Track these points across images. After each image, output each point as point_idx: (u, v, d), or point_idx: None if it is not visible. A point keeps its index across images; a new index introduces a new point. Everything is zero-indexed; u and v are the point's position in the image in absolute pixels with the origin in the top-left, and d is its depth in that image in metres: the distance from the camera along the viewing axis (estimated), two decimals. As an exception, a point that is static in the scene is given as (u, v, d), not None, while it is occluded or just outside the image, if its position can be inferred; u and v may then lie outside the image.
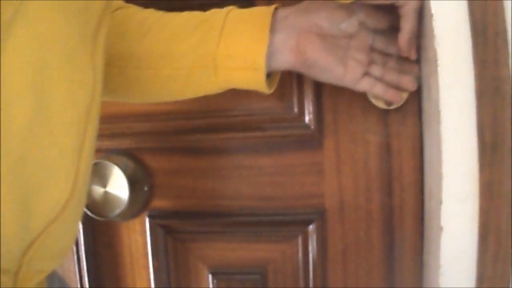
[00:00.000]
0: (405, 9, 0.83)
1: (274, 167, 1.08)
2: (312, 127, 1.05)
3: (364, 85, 0.91)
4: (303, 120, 1.06)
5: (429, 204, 0.99)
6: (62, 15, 0.60)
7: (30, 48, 0.57)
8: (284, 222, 1.09)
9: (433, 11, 0.81)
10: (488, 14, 0.79)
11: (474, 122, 0.81)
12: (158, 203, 1.18)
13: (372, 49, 0.91)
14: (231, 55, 0.84)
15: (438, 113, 0.84)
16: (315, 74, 0.90)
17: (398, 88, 0.93)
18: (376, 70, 0.91)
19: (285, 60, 0.87)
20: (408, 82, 0.91)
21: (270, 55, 0.85)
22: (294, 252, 1.11)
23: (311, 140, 1.06)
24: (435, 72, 0.83)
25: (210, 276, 1.19)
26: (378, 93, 0.92)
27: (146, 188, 1.15)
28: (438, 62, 0.82)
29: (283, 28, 0.87)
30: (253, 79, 0.85)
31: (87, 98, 0.64)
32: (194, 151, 1.13)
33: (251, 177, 1.09)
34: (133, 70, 0.88)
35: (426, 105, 0.97)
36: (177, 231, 1.19)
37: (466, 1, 0.79)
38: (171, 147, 1.14)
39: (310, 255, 1.10)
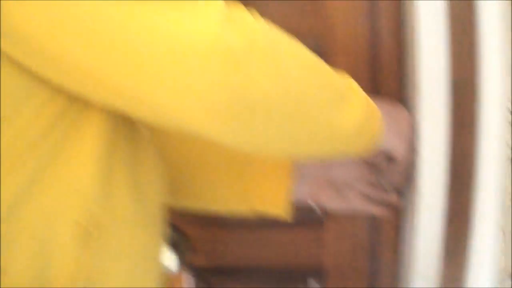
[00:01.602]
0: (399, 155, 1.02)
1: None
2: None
3: (360, 207, 1.15)
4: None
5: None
6: None
7: None
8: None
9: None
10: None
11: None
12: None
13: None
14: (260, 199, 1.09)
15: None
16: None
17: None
18: (373, 194, 1.14)
19: (302, 200, 1.12)
20: (395, 200, 1.15)
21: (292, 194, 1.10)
22: None
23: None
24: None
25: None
26: (372, 212, 1.18)
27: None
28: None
29: (303, 176, 1.11)
30: (275, 213, 1.10)
31: None
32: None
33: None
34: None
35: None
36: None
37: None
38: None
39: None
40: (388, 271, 1.35)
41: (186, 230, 1.22)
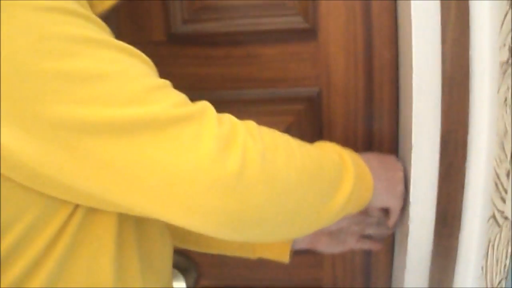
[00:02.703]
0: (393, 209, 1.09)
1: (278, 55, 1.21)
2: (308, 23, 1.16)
3: (357, 247, 1.21)
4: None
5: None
6: None
7: None
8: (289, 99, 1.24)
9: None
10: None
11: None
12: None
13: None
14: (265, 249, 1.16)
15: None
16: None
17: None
18: (367, 232, 1.20)
19: (301, 246, 1.18)
20: (387, 233, 1.22)
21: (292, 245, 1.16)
22: (297, 122, 1.24)
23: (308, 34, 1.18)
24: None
25: None
26: (366, 248, 1.25)
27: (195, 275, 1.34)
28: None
29: None
30: (277, 259, 1.17)
31: None
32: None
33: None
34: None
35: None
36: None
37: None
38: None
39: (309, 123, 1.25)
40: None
41: (193, 255, 1.27)
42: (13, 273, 0.69)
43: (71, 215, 0.72)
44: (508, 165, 0.87)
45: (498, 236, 0.96)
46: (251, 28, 1.17)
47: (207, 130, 0.67)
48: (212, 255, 1.21)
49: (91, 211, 0.74)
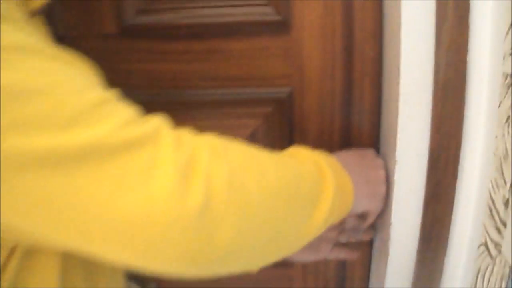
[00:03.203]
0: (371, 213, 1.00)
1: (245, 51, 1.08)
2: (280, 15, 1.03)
3: (331, 256, 1.09)
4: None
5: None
6: None
7: None
8: (255, 100, 1.10)
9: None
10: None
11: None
12: None
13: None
14: None
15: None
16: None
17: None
18: (342, 239, 1.09)
19: None
20: (365, 237, 1.11)
21: None
22: (265, 126, 1.12)
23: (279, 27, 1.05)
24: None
25: None
26: (341, 257, 1.14)
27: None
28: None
29: None
30: None
31: None
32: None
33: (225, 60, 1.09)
34: None
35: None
36: None
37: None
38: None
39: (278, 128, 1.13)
40: None
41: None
42: None
43: (8, 257, 0.64)
44: (506, 193, 0.76)
45: (489, 268, 0.87)
46: (214, 20, 1.04)
47: (163, 157, 0.57)
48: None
49: (31, 253, 0.66)
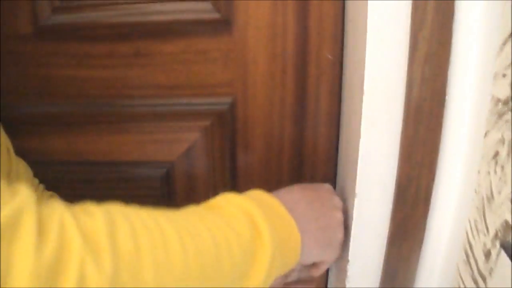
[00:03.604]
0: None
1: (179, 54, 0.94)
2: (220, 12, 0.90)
3: None
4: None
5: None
6: None
7: None
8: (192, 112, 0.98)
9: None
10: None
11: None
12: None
13: None
14: None
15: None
16: None
17: None
18: (290, 278, 0.91)
19: None
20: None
21: None
22: (203, 141, 0.99)
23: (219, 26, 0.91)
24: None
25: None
26: None
27: None
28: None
29: None
30: None
31: None
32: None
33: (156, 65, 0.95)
34: None
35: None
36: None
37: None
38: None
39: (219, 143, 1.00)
40: None
41: None
42: None
43: None
44: (489, 242, 0.61)
45: None
46: (143, 18, 0.90)
47: (19, 261, 0.41)
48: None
49: None
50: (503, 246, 0.58)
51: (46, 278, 0.41)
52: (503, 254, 0.58)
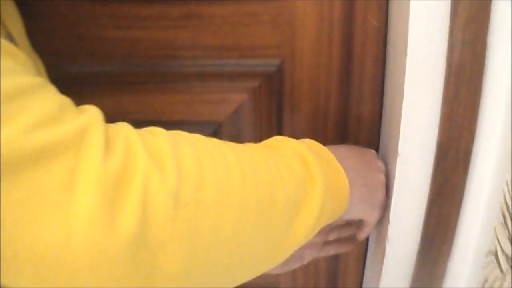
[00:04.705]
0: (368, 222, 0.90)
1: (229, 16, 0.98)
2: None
3: (321, 256, 1.00)
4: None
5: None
6: None
7: None
8: (240, 73, 1.02)
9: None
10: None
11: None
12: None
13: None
14: None
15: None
16: None
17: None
18: (332, 236, 0.98)
19: None
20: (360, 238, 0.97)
21: None
22: (251, 102, 1.04)
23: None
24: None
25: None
26: (331, 253, 1.02)
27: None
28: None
29: None
30: None
31: None
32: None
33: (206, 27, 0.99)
34: None
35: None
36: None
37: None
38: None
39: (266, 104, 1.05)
40: None
41: None
42: None
43: None
44: None
45: (498, 282, 0.82)
46: None
47: (87, 169, 0.46)
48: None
49: None
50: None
51: (113, 188, 0.46)
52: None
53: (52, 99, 0.49)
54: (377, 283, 1.00)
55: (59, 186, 0.44)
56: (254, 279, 1.19)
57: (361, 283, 1.26)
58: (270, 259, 0.67)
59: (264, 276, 1.22)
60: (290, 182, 0.66)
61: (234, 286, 0.66)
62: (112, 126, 0.52)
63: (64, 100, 0.50)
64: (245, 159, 0.63)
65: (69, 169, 0.45)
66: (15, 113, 0.44)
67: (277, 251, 0.66)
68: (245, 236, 0.58)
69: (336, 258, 1.22)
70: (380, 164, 0.90)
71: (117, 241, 0.46)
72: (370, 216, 0.88)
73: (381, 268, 0.96)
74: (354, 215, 0.84)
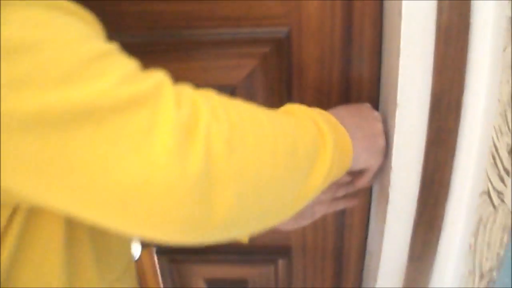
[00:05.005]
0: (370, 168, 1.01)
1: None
2: None
3: (329, 211, 1.13)
4: None
5: None
6: None
7: None
8: (252, 40, 1.12)
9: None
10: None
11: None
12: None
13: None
14: None
15: None
16: None
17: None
18: (340, 193, 1.12)
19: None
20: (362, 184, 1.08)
21: None
22: (262, 66, 1.13)
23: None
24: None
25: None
26: (340, 208, 1.16)
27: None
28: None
29: None
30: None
31: None
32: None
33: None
34: None
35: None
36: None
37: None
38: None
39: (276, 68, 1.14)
40: (353, 252, 1.40)
41: None
42: None
43: (10, 218, 0.64)
44: (510, 140, 0.77)
45: (491, 217, 0.91)
46: None
47: (163, 118, 0.56)
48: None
49: (34, 212, 0.67)
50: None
51: (184, 133, 0.56)
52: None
53: (128, 60, 0.59)
54: (382, 229, 1.10)
55: (142, 130, 0.54)
56: (268, 237, 1.31)
57: (366, 237, 1.36)
58: (293, 204, 0.76)
59: (276, 234, 1.33)
60: (307, 139, 0.76)
61: (262, 229, 0.76)
62: (177, 85, 0.62)
63: (136, 62, 0.60)
64: (272, 117, 0.73)
65: (149, 117, 0.54)
66: (105, 71, 0.54)
67: (298, 196, 0.75)
68: (276, 179, 0.68)
69: (342, 214, 1.32)
70: (375, 114, 1.00)
71: (188, 176, 0.55)
72: (373, 163, 0.99)
73: (385, 214, 1.06)
74: (359, 165, 0.95)
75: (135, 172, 0.54)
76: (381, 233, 1.11)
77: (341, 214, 1.33)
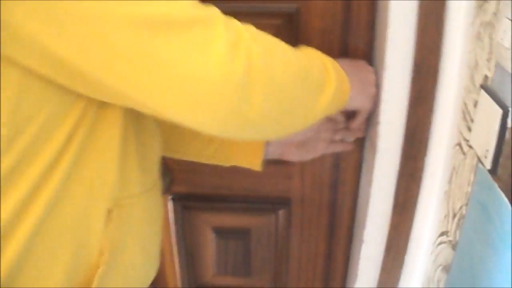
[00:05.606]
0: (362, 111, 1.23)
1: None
2: None
3: (328, 151, 1.34)
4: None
5: None
6: None
7: None
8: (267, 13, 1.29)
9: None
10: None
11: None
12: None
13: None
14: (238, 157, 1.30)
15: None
16: None
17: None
18: (337, 136, 1.33)
19: (273, 156, 1.32)
20: (356, 134, 1.33)
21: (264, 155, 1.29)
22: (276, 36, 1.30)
23: None
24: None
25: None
26: (337, 151, 1.37)
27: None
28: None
29: (273, 144, 1.30)
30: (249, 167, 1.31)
31: None
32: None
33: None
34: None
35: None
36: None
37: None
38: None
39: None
40: (346, 205, 1.57)
41: (168, 161, 1.31)
42: (34, 170, 0.77)
43: (83, 113, 0.80)
44: (475, 96, 0.95)
45: (462, 163, 1.05)
46: None
47: (218, 35, 0.75)
48: (186, 162, 1.33)
49: (101, 110, 0.83)
50: (483, 87, 0.91)
51: (232, 46, 0.76)
52: (483, 93, 0.90)
53: None
54: (370, 176, 1.27)
55: (203, 41, 0.74)
56: (270, 188, 1.50)
57: (357, 190, 1.52)
58: (305, 118, 0.96)
59: (276, 186, 1.52)
60: (317, 69, 0.97)
61: (281, 134, 0.99)
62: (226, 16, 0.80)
63: None
64: (292, 49, 0.93)
65: (209, 32, 0.75)
66: None
67: (309, 113, 0.96)
68: (295, 92, 0.89)
69: (337, 169, 1.49)
70: (370, 67, 1.21)
71: (233, 76, 0.75)
72: (365, 106, 1.18)
73: (373, 163, 1.23)
74: (354, 104, 1.14)
75: (197, 68, 0.73)
76: (370, 183, 1.27)
77: (336, 170, 1.49)
